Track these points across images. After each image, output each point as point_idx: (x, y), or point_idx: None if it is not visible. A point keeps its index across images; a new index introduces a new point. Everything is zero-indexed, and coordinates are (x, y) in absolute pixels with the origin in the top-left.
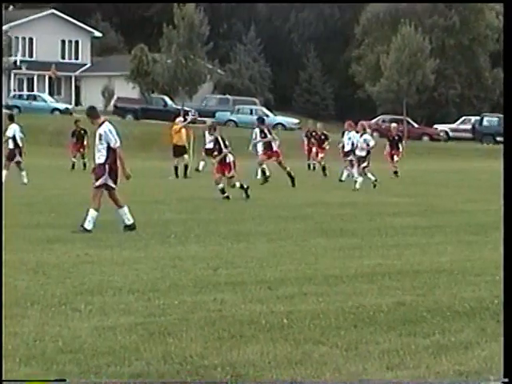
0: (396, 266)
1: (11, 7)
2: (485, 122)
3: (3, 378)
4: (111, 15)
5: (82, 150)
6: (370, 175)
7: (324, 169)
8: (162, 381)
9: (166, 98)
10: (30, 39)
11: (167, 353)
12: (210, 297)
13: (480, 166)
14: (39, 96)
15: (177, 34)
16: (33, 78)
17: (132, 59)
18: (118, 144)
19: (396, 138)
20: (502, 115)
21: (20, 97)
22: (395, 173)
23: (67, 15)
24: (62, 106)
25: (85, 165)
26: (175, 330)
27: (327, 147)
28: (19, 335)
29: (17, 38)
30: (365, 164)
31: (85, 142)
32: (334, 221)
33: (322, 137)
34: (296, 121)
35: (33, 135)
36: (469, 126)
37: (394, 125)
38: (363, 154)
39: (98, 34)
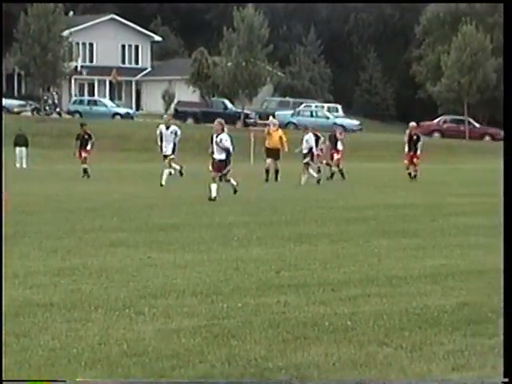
0: (460, 267)
1: (71, 13)
2: None
3: (3, 378)
4: (171, 19)
5: (84, 154)
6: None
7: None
8: (162, 381)
9: (227, 101)
10: (91, 44)
11: (231, 355)
12: (274, 299)
13: None
14: (100, 101)
15: (237, 37)
16: (93, 83)
17: (192, 63)
18: None
19: (415, 137)
20: None
21: (81, 102)
22: (414, 176)
23: (127, 20)
24: (122, 110)
25: (85, 170)
26: (239, 333)
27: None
28: (84, 338)
29: (77, 43)
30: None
31: (88, 148)
32: (396, 222)
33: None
34: (357, 122)
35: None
36: None
37: (412, 124)
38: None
39: (157, 38)
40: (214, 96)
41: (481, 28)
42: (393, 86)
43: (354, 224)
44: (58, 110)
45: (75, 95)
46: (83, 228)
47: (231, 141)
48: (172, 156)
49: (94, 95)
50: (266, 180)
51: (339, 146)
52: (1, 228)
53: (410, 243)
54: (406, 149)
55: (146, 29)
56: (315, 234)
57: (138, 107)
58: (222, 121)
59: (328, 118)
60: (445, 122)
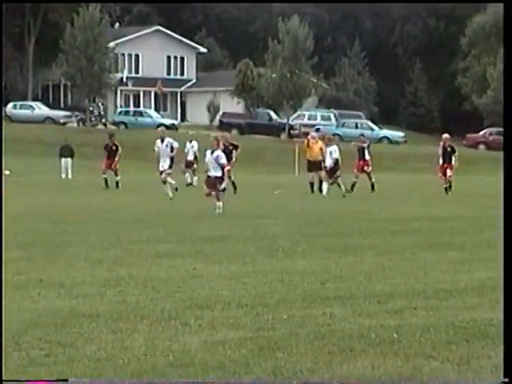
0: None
1: (117, 24)
2: None
3: (3, 378)
4: (216, 31)
5: (112, 166)
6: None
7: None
8: (164, 380)
9: (271, 113)
10: (136, 56)
11: (277, 367)
12: (319, 311)
13: None
14: (145, 112)
15: (282, 49)
16: (139, 94)
17: (237, 74)
18: None
19: (449, 149)
20: None
21: (126, 113)
22: (449, 187)
23: (172, 31)
24: (168, 121)
25: (117, 183)
26: (285, 345)
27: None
28: (129, 349)
29: (123, 54)
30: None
31: (116, 159)
32: (443, 234)
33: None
34: (401, 134)
35: (140, 151)
36: None
37: (445, 135)
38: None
39: (203, 49)
40: (258, 107)
41: None
42: (438, 97)
43: (399, 236)
44: (103, 120)
45: (121, 106)
46: (129, 239)
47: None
48: (169, 171)
49: (139, 106)
50: (312, 192)
51: (367, 156)
52: (1, 228)
53: (457, 256)
54: (441, 161)
55: (192, 40)
56: (360, 245)
57: (183, 118)
58: (218, 136)
59: (373, 129)
60: (490, 134)
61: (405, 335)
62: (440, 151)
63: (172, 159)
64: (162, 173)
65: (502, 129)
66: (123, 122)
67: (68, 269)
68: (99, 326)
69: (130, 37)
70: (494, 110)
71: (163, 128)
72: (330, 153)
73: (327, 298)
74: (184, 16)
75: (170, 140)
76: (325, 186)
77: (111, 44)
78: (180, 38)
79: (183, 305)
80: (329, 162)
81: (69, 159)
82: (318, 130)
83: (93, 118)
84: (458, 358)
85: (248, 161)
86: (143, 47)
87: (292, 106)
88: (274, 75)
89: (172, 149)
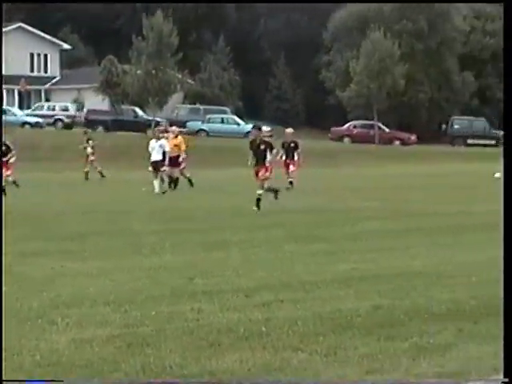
0: (371, 270)
1: None
2: (455, 125)
3: (3, 378)
4: (79, 27)
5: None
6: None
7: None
8: (163, 380)
9: (137, 109)
10: None
11: (146, 364)
12: (187, 306)
13: (451, 168)
14: (9, 110)
15: (146, 45)
16: (1, 92)
17: (101, 71)
18: None
19: (292, 145)
20: (472, 118)
21: None
22: (290, 183)
23: (35, 28)
24: (32, 119)
25: (101, 173)
26: (153, 341)
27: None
28: None
29: None
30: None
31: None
32: (308, 227)
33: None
34: (268, 128)
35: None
36: None
37: (288, 130)
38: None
39: (66, 46)
40: (123, 104)
41: (389, 34)
42: (302, 92)
43: (265, 230)
44: None
45: None
46: None
47: None
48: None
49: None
50: (170, 186)
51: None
52: (1, 228)
53: (322, 248)
54: (284, 156)
55: (55, 37)
56: (227, 240)
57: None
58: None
59: (239, 124)
60: (355, 127)
61: (273, 328)
62: (283, 147)
63: (164, 155)
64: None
65: (365, 121)
66: None
67: None
68: None
69: None
70: (357, 103)
71: (160, 128)
72: (160, 146)
73: (195, 294)
74: (47, 13)
75: (164, 142)
76: (156, 182)
77: None
78: (43, 34)
79: (50, 303)
80: (157, 157)
81: None
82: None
83: None
84: (325, 349)
85: (114, 157)
86: (5, 44)
87: (158, 102)
88: (138, 72)
89: (164, 151)
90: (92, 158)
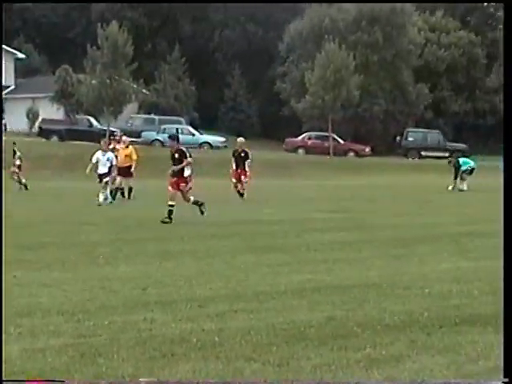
0: (325, 281)
1: None
2: (409, 137)
3: (3, 378)
4: (34, 36)
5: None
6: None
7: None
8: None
9: (91, 119)
10: None
11: (98, 373)
12: (140, 316)
13: (405, 180)
14: None
15: (101, 55)
16: None
17: (56, 80)
18: None
19: (242, 154)
20: (426, 130)
21: None
22: (241, 195)
23: None
24: None
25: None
26: (106, 351)
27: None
28: None
29: None
30: (107, 179)
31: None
32: (263, 237)
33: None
34: (222, 139)
35: None
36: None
37: (240, 139)
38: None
39: (21, 55)
40: (78, 113)
41: (344, 46)
42: (257, 102)
43: (219, 240)
44: None
45: None
46: None
47: None
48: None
49: None
50: (123, 196)
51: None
52: (1, 228)
53: (276, 259)
54: (234, 166)
55: (9, 46)
56: (181, 250)
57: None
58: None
59: (194, 134)
60: (309, 138)
61: (226, 338)
62: (233, 156)
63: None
64: (102, 177)
65: (320, 133)
66: None
67: None
68: None
69: None
70: (312, 114)
71: (106, 140)
72: (108, 159)
73: (148, 304)
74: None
75: (111, 156)
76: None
77: None
78: None
79: (3, 313)
80: (103, 170)
81: None
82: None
83: None
84: (278, 360)
85: (68, 167)
86: None
87: (112, 112)
88: (93, 81)
89: (111, 164)
90: (15, 169)
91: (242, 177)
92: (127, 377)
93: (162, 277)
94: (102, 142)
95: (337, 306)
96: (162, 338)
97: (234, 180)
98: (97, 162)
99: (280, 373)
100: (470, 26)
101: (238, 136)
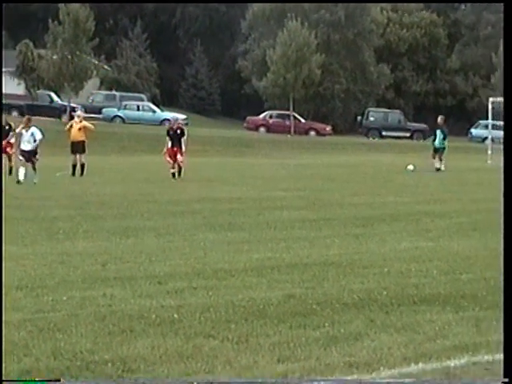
0: (285, 260)
1: None
2: (370, 117)
3: (3, 378)
4: None
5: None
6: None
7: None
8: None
9: (52, 94)
10: None
11: (57, 349)
12: (99, 292)
13: (366, 160)
14: None
15: (62, 30)
16: None
17: (17, 55)
18: None
19: (178, 132)
20: (387, 110)
21: None
22: (178, 174)
23: None
24: None
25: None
26: (64, 326)
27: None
28: None
29: None
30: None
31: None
32: (223, 215)
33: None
34: (183, 116)
35: None
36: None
37: (179, 116)
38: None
39: None
40: (39, 89)
41: (306, 24)
42: (219, 80)
43: (179, 217)
44: None
45: None
46: None
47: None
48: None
49: None
50: (73, 174)
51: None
52: (0, 228)
53: (236, 237)
54: (169, 144)
55: None
56: (141, 227)
57: None
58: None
59: (154, 111)
60: (270, 116)
61: (185, 315)
62: (168, 134)
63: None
64: (25, 154)
65: (281, 111)
66: None
67: None
68: None
69: None
70: (273, 92)
71: (29, 116)
72: (31, 134)
73: (107, 279)
74: None
75: (35, 130)
76: (21, 170)
77: None
78: None
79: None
80: (27, 146)
81: None
82: (74, 109)
83: None
84: (237, 337)
85: None
86: None
87: (73, 87)
88: (54, 57)
89: (35, 139)
90: None
91: (178, 155)
92: (85, 352)
93: (122, 253)
94: (65, 117)
95: (296, 284)
96: (121, 314)
97: (168, 159)
98: (20, 134)
99: (238, 350)
100: (432, 7)
101: (201, 114)
